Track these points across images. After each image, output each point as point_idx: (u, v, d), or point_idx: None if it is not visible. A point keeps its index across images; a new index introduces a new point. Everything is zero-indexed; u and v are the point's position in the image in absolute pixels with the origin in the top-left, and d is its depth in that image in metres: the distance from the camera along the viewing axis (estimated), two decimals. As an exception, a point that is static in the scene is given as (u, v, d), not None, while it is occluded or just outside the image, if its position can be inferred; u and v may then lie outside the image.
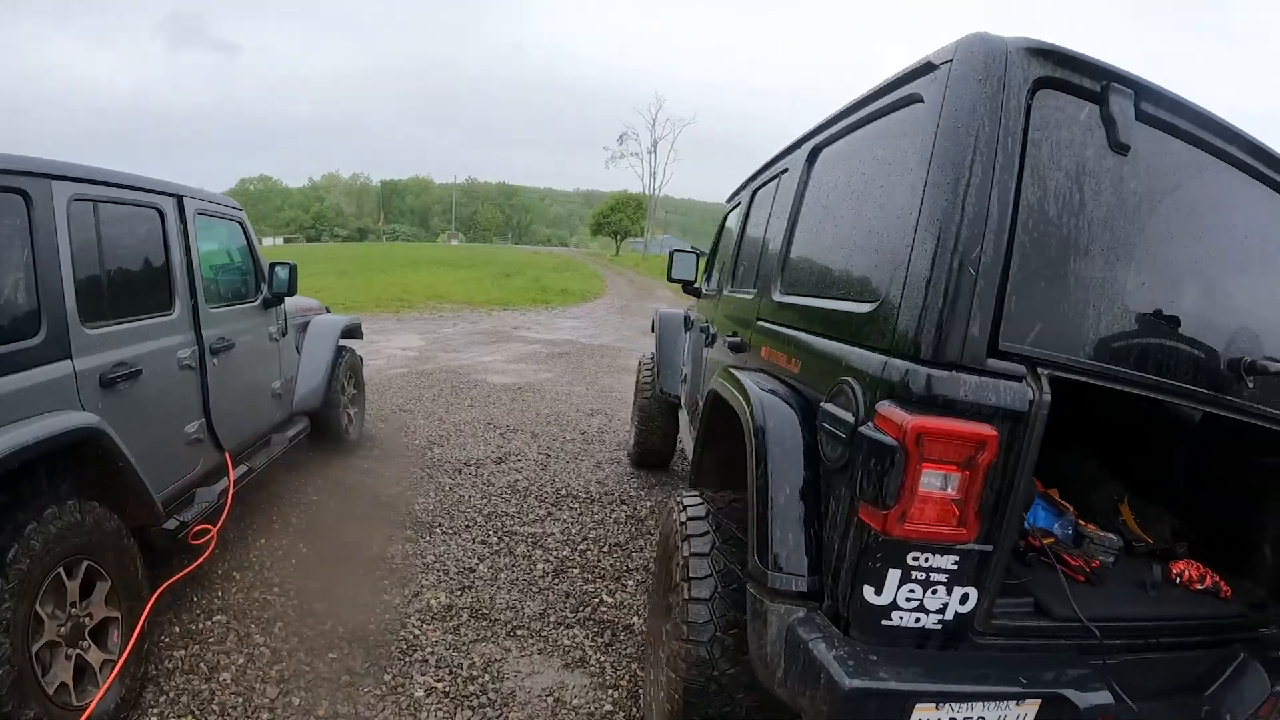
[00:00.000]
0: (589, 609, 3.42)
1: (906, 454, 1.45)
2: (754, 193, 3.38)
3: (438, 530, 4.06)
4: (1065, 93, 1.62)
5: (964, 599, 1.60)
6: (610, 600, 3.55)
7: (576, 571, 3.79)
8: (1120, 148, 1.65)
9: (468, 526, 4.16)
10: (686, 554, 2.14)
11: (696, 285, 4.60)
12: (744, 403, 2.05)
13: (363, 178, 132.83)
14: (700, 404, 3.33)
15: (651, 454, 5.49)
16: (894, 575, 1.53)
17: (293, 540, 3.79)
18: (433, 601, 3.30)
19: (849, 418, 1.61)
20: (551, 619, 3.29)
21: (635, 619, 3.39)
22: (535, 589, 3.54)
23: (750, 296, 2.87)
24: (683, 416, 4.64)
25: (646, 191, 63.89)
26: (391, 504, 4.35)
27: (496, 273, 26.53)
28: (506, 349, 10.48)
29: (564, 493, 4.91)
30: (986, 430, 1.48)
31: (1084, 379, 1.63)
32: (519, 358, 9.83)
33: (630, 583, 3.76)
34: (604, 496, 4.93)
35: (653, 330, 5.81)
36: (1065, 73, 1.61)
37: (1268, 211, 1.91)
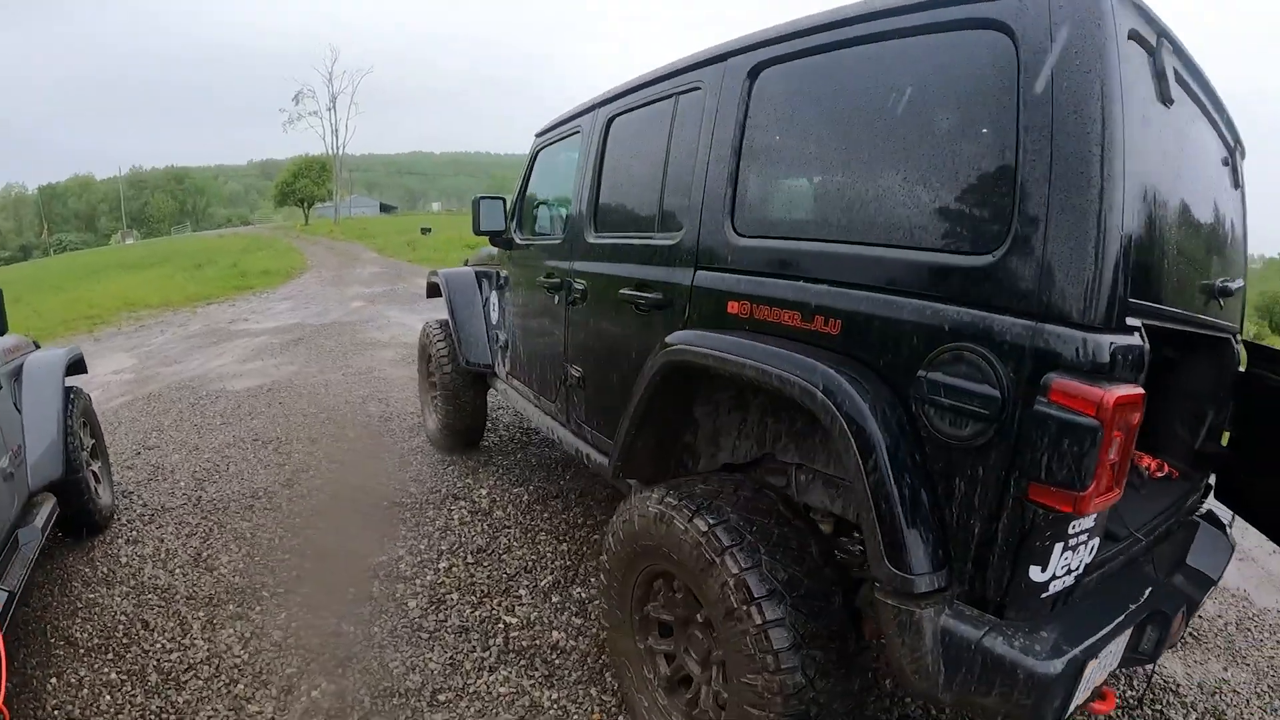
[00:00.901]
0: (499, 639, 2.86)
1: (1104, 430, 1.31)
2: (676, 109, 2.52)
3: (265, 594, 3.12)
4: (1137, 42, 1.55)
5: (1091, 550, 1.54)
6: (514, 619, 3.01)
7: (456, 597, 3.16)
8: (1167, 100, 1.67)
9: (299, 578, 3.27)
10: (735, 571, 1.78)
11: (507, 236, 3.98)
12: (813, 386, 1.65)
13: (17, 188, 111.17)
14: (578, 375, 2.94)
15: (461, 434, 4.86)
16: (1058, 549, 1.44)
17: (90, 665, 2.66)
18: (314, 695, 2.49)
19: (991, 392, 1.41)
20: (466, 666, 2.68)
21: (555, 634, 2.91)
22: (424, 635, 2.87)
23: (674, 241, 2.39)
24: (511, 389, 4.09)
25: (330, 151, 58.18)
26: (189, 577, 3.27)
27: (186, 266, 22.35)
28: (233, 348, 8.72)
29: (385, 503, 4.13)
30: (1140, 390, 1.38)
31: (1158, 323, 1.64)
32: (251, 354, 8.23)
33: (522, 591, 3.24)
34: (432, 496, 4.25)
35: (440, 295, 5.09)
36: (1139, 22, 1.54)
37: (1216, 152, 2.25)
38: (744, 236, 2.13)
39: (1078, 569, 1.50)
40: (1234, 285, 2.19)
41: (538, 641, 2.86)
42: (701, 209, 2.26)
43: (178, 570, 3.32)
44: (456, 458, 4.87)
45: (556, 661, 2.74)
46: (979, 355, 1.43)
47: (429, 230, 31.51)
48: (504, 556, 3.56)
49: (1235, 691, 2.73)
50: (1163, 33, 1.63)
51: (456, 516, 4.00)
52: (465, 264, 5.35)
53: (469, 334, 4.49)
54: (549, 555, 3.60)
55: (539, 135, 3.85)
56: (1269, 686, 2.77)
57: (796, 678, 1.70)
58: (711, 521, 1.89)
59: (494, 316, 4.32)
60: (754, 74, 2.14)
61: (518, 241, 3.92)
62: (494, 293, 4.31)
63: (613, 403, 2.78)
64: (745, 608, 1.74)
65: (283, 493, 4.22)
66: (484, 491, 4.36)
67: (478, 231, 3.96)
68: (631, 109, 2.82)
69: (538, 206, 3.95)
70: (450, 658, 2.72)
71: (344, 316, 10.86)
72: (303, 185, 56.48)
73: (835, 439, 1.59)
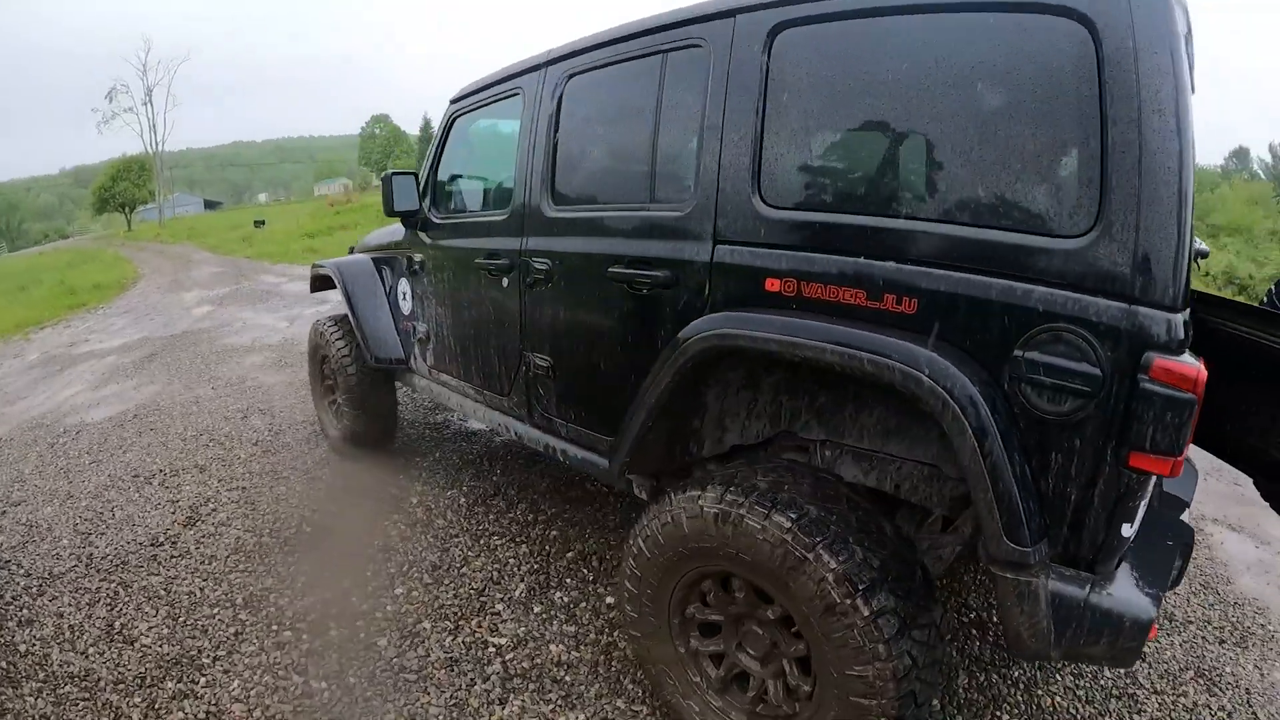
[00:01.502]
0: (496, 666, 2.58)
1: (1198, 402, 1.43)
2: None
3: (206, 659, 2.64)
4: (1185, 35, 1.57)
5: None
6: (502, 640, 2.73)
7: (428, 626, 2.83)
8: (1194, 89, 1.73)
9: (238, 634, 2.79)
10: (833, 567, 1.70)
11: (422, 216, 3.56)
12: (918, 372, 1.59)
13: None
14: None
15: (372, 439, 4.42)
16: (1142, 505, 1.59)
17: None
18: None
19: (1092, 370, 1.47)
20: (473, 705, 2.39)
21: (553, 648, 2.66)
22: (410, 676, 2.54)
23: (680, 213, 2.16)
24: (437, 384, 3.71)
25: (149, 149, 52.38)
26: (109, 655, 2.69)
27: (9, 289, 19.00)
28: (81, 373, 7.45)
29: (309, 530, 3.66)
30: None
31: None
32: (103, 378, 7.08)
33: (498, 606, 2.95)
34: (358, 514, 3.80)
35: (327, 289, 4.59)
36: (1185, 15, 1.56)
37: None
38: (777, 208, 1.94)
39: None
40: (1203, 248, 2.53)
41: (538, 660, 2.60)
42: (718, 179, 2.04)
43: (92, 650, 2.73)
44: (369, 465, 4.41)
45: (567, 679, 2.50)
46: (1078, 336, 1.47)
47: (263, 223, 29.06)
48: (463, 570, 3.24)
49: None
50: (1189, 23, 1.67)
51: (395, 532, 3.61)
52: (351, 251, 4.82)
53: (374, 329, 4.03)
54: (511, 562, 3.31)
55: (456, 101, 3.44)
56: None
57: (905, 661, 1.70)
58: (794, 517, 1.78)
59: (406, 306, 3.88)
60: (774, 33, 1.94)
61: (435, 221, 3.52)
62: (404, 280, 3.87)
63: (597, 393, 2.56)
64: (850, 601, 1.69)
65: (186, 535, 3.63)
66: (414, 499, 3.97)
67: (390, 212, 3.50)
68: (598, 66, 2.51)
69: (455, 180, 3.56)
70: (450, 697, 2.42)
71: (194, 324, 9.68)
72: (123, 188, 51.22)
73: (948, 424, 1.55)
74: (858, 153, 1.93)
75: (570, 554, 3.40)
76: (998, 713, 2.41)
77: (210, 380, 6.67)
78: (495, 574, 3.19)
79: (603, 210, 2.50)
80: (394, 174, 3.45)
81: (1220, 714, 2.42)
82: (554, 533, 3.60)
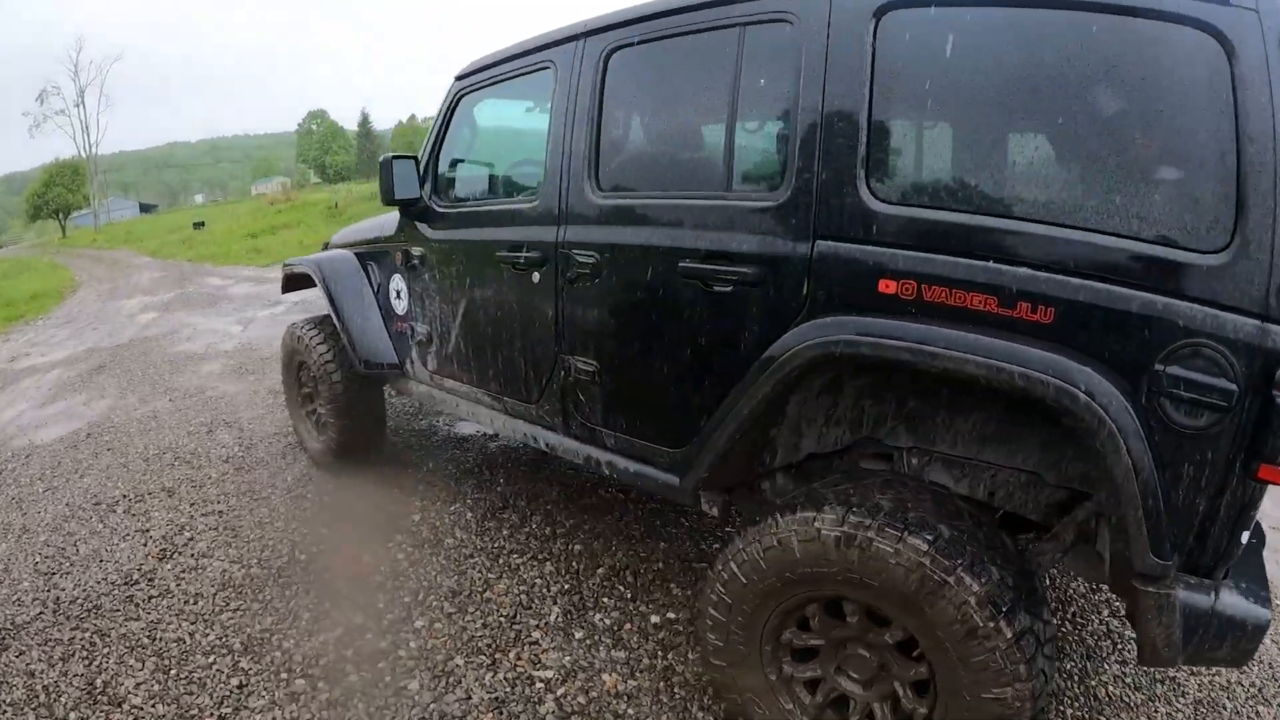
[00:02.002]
0: (549, 705, 2.30)
1: None
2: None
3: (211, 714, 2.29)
4: None
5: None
6: (549, 673, 2.44)
7: (462, 663, 2.52)
8: None
9: (243, 686, 2.42)
10: (976, 590, 1.60)
11: (423, 205, 3.21)
12: (1074, 388, 1.51)
13: None
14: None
15: (358, 450, 4.05)
16: (1256, 513, 1.58)
17: None
18: None
19: (1229, 386, 1.46)
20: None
21: (607, 677, 2.39)
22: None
23: (770, 204, 1.92)
24: (441, 391, 3.38)
25: (82, 152, 49.93)
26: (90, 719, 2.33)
27: None
28: (24, 390, 6.71)
29: (303, 557, 3.29)
30: None
31: None
32: (50, 394, 6.40)
33: (535, 634, 2.66)
34: (357, 536, 3.45)
35: (301, 289, 4.25)
36: None
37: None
38: (891, 203, 1.75)
39: None
40: None
41: (593, 693, 2.32)
42: (818, 168, 1.82)
43: (73, 715, 2.33)
44: (356, 480, 4.04)
45: (630, 712, 2.23)
46: (1217, 351, 1.46)
47: (202, 224, 27.73)
48: (487, 596, 2.93)
49: None
50: None
51: (401, 556, 3.27)
52: (326, 247, 4.42)
53: (362, 331, 3.66)
54: (539, 583, 3.01)
55: (464, 77, 3.08)
56: None
57: (1041, 680, 1.65)
58: (930, 539, 1.61)
59: (400, 306, 3.52)
60: (881, 13, 1.74)
61: (438, 210, 3.17)
62: (397, 276, 3.50)
63: (657, 401, 2.30)
64: (993, 624, 1.59)
65: (163, 570, 3.21)
66: (416, 517, 3.63)
67: (390, 200, 3.14)
68: (650, 39, 2.23)
69: (462, 166, 3.22)
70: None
71: (141, 332, 8.99)
72: (56, 194, 49.02)
73: (1101, 441, 1.50)
74: (986, 150, 1.73)
75: (600, 570, 3.12)
76: (1060, 707, 2.33)
77: (167, 392, 6.14)
78: (524, 597, 2.89)
79: (666, 197, 2.21)
80: (394, 157, 3.08)
81: (1251, 689, 2.46)
82: (577, 547, 3.31)
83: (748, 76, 1.99)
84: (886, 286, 1.71)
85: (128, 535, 3.59)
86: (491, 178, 3.34)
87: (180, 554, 3.37)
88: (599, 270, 2.34)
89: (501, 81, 2.89)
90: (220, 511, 3.79)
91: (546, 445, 2.77)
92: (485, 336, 2.96)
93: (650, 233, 2.20)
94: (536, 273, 2.56)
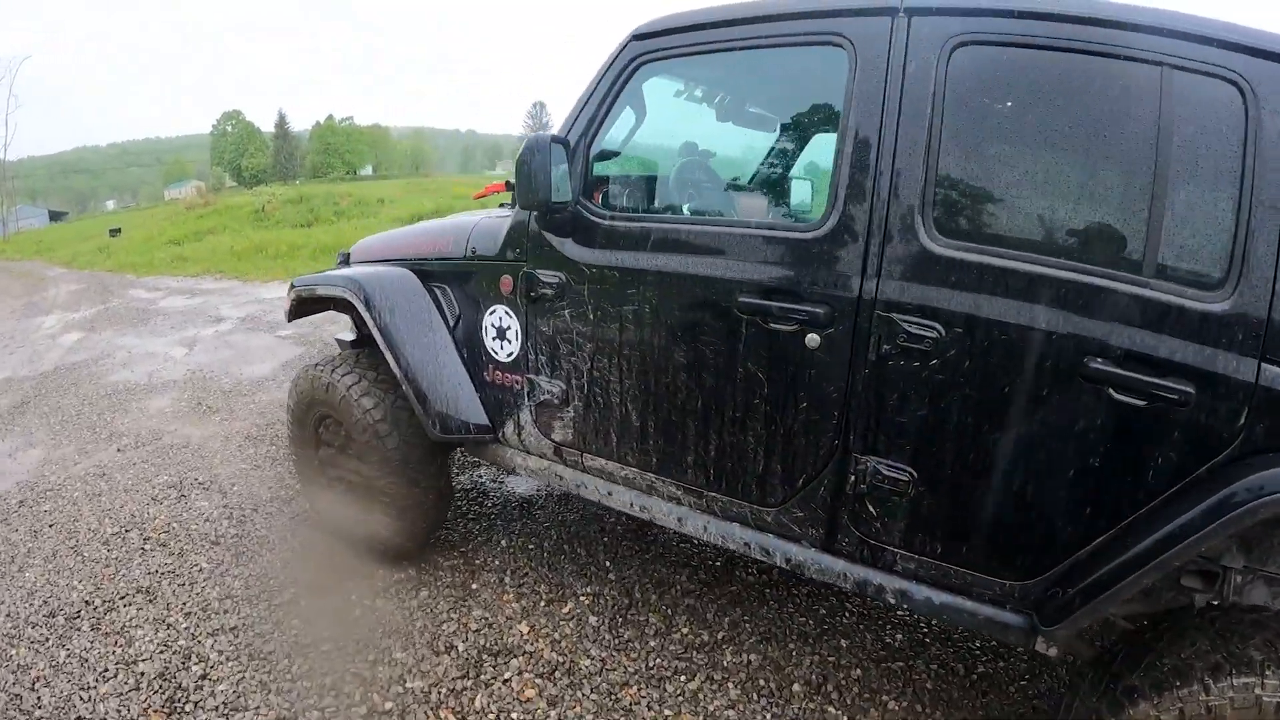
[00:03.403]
0: None
1: None
2: None
3: None
4: None
5: None
6: None
7: None
8: None
9: None
10: None
11: (571, 211, 2.22)
12: None
13: None
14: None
15: (418, 537, 2.96)
16: None
17: None
18: None
19: None
20: None
21: None
22: None
23: (1213, 308, 1.52)
24: (587, 475, 2.44)
25: None
26: None
27: None
28: None
29: (390, 706, 2.26)
30: None
31: None
32: None
33: None
34: (448, 662, 2.45)
35: (365, 324, 3.00)
36: None
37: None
38: None
39: None
40: None
41: None
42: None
43: None
44: (410, 569, 3.00)
45: None
46: None
47: (119, 231, 24.96)
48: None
49: None
50: None
51: (533, 691, 2.30)
52: (346, 260, 3.34)
53: (437, 381, 2.62)
54: (731, 716, 2.16)
55: (647, 37, 2.11)
56: None
57: None
58: None
59: (505, 350, 2.51)
60: None
61: (603, 223, 2.20)
62: (504, 309, 2.48)
63: (1010, 524, 1.75)
64: None
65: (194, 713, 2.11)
66: (524, 628, 2.63)
67: (535, 203, 2.13)
68: (1027, 44, 1.63)
69: (646, 164, 2.26)
70: None
71: (66, 357, 7.35)
72: None
73: None
74: None
75: (796, 687, 2.35)
76: None
77: (112, 438, 4.79)
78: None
79: (1058, 267, 1.61)
80: (550, 140, 2.07)
81: None
82: (752, 657, 2.50)
83: (1180, 130, 1.50)
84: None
85: (108, 673, 2.43)
86: (709, 186, 2.39)
87: (198, 708, 2.25)
88: (942, 349, 1.68)
89: (719, 50, 2.01)
90: (233, 628, 2.67)
91: (786, 561, 2.01)
92: (688, 410, 2.08)
93: (1035, 313, 1.61)
94: (815, 335, 1.82)
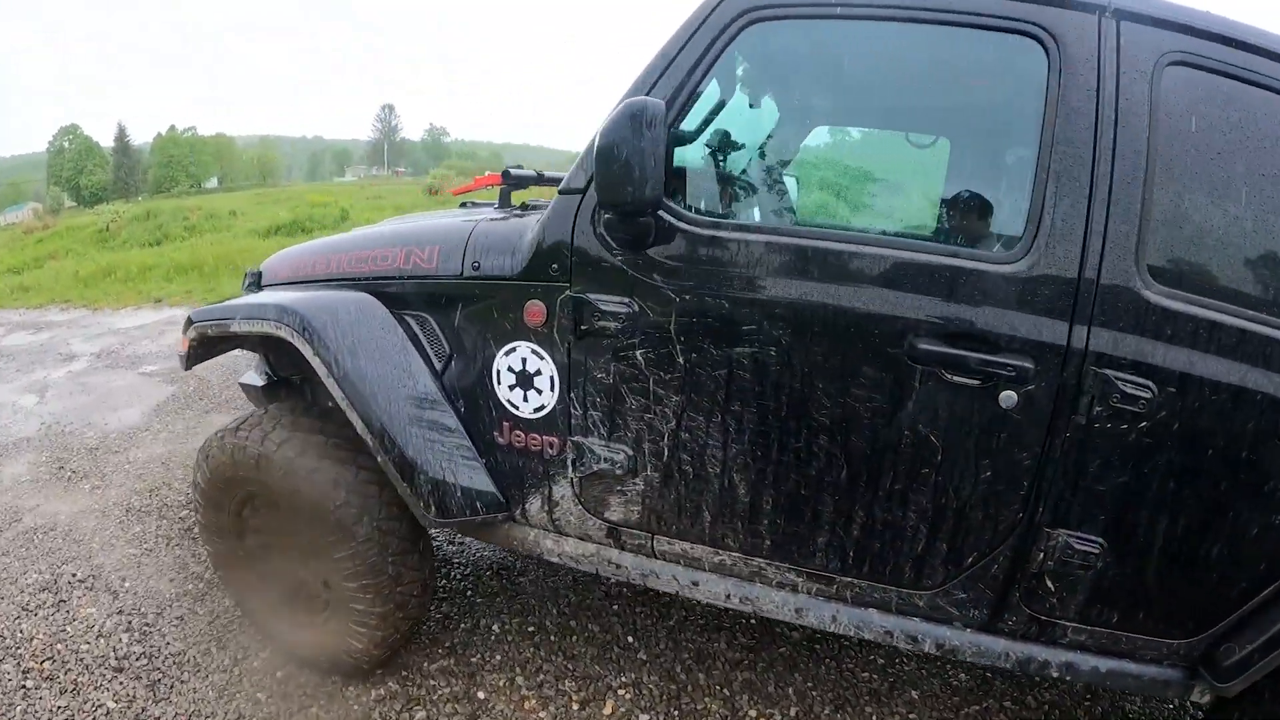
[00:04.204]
0: None
1: None
2: None
3: None
4: None
5: None
6: None
7: None
8: None
9: None
10: None
11: (650, 217, 1.62)
12: None
13: None
14: None
15: (388, 647, 2.23)
16: None
17: None
18: None
19: None
20: None
21: None
22: None
23: None
24: (639, 555, 1.87)
25: None
26: None
27: None
28: None
29: None
30: None
31: None
32: None
33: None
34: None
35: (291, 366, 2.45)
36: None
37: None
38: None
39: None
40: None
41: None
42: None
43: None
44: (398, 685, 2.32)
45: None
46: None
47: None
48: None
49: None
50: None
51: None
52: (257, 283, 2.58)
53: (428, 447, 1.94)
54: None
55: None
56: None
57: None
58: None
59: (532, 404, 1.87)
60: None
61: (702, 234, 1.64)
62: (533, 348, 1.83)
63: (1195, 587, 1.58)
64: None
65: None
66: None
67: (625, 202, 1.49)
68: (1247, 80, 1.42)
69: (737, 154, 1.71)
70: None
71: None
72: None
73: None
74: None
75: None
76: None
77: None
78: None
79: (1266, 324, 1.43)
80: (661, 108, 1.44)
81: None
82: None
83: None
84: None
85: None
86: (855, 190, 1.88)
87: None
88: (1153, 410, 1.45)
89: (862, 16, 1.54)
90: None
91: (937, 647, 1.69)
92: (825, 482, 1.63)
93: (1247, 373, 1.43)
94: (1011, 393, 1.48)
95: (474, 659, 2.42)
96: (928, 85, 1.72)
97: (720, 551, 1.79)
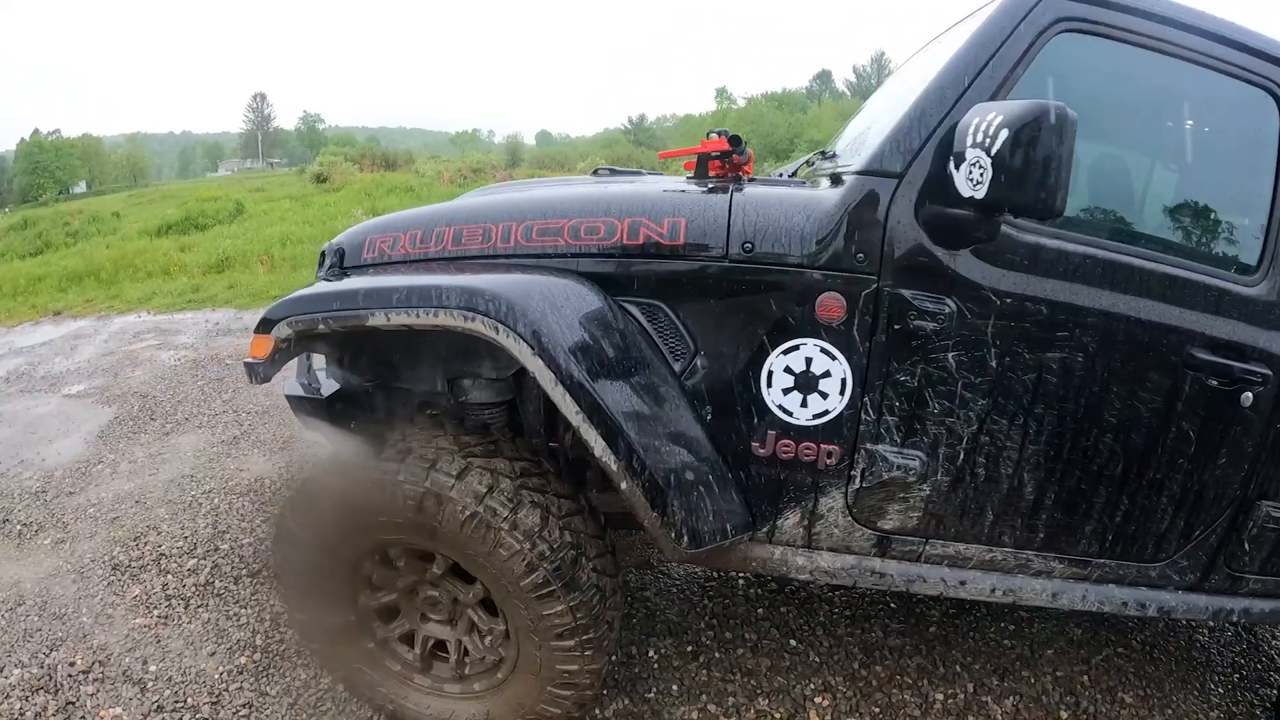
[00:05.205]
0: None
1: None
2: None
3: None
4: None
5: None
6: None
7: None
8: None
9: None
10: None
11: (994, 224, 1.48)
12: None
13: None
14: None
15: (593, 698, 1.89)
16: None
17: None
18: None
19: None
20: None
21: None
22: None
23: None
24: (914, 563, 1.77)
25: None
26: None
27: None
28: None
29: None
30: None
31: None
32: None
33: None
34: None
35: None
36: None
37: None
38: None
39: None
40: None
41: None
42: None
43: None
44: None
45: None
46: None
47: None
48: None
49: None
50: None
51: None
52: (340, 265, 1.93)
53: (682, 467, 1.65)
54: None
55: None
56: None
57: None
58: None
59: (815, 407, 1.63)
60: None
61: (1026, 239, 1.55)
62: (826, 346, 1.59)
63: None
64: None
65: None
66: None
67: (1034, 208, 1.31)
68: None
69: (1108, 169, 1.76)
70: None
71: None
72: None
73: None
74: None
75: (1064, 713, 2.17)
76: None
77: None
78: None
79: None
80: (1063, 108, 1.25)
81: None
82: (1009, 701, 2.16)
83: None
84: None
85: None
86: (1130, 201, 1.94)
87: None
88: None
89: (1148, 46, 1.61)
90: None
91: (1159, 610, 1.85)
92: (1104, 475, 1.70)
93: None
94: (1249, 394, 1.67)
95: (649, 694, 2.17)
96: (1182, 119, 1.85)
97: (993, 549, 1.74)
